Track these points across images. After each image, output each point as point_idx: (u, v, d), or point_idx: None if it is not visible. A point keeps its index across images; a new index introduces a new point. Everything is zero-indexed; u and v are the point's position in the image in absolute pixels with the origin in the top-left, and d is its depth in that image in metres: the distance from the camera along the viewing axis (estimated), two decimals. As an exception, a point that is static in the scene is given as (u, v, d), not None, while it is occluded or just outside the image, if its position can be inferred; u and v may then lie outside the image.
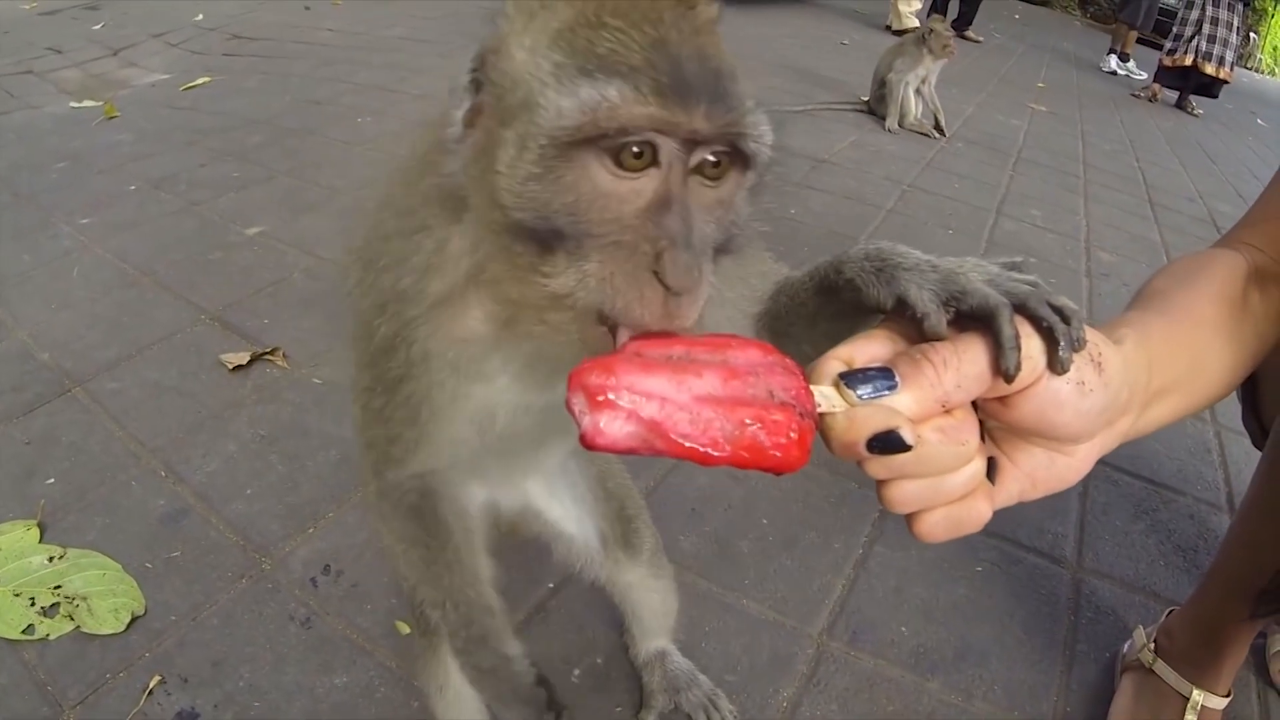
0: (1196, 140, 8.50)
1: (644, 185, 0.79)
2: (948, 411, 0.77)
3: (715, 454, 0.68)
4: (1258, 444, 1.59)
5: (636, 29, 0.78)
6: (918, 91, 6.24)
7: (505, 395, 1.05)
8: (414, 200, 0.97)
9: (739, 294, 1.06)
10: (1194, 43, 9.62)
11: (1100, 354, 0.81)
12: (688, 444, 0.68)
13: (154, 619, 1.83)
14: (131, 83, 6.34)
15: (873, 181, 4.98)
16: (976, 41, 11.36)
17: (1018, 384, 0.75)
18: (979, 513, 0.82)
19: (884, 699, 1.81)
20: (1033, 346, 0.76)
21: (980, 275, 0.81)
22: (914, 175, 5.22)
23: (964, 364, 0.75)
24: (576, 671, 1.80)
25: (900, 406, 0.74)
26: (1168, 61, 9.95)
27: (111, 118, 5.23)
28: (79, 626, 1.80)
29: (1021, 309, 0.77)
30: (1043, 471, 0.87)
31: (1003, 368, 0.74)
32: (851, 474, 2.41)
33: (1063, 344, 0.76)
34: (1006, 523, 2.34)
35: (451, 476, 1.19)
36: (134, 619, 1.82)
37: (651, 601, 1.62)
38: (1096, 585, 2.20)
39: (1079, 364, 0.77)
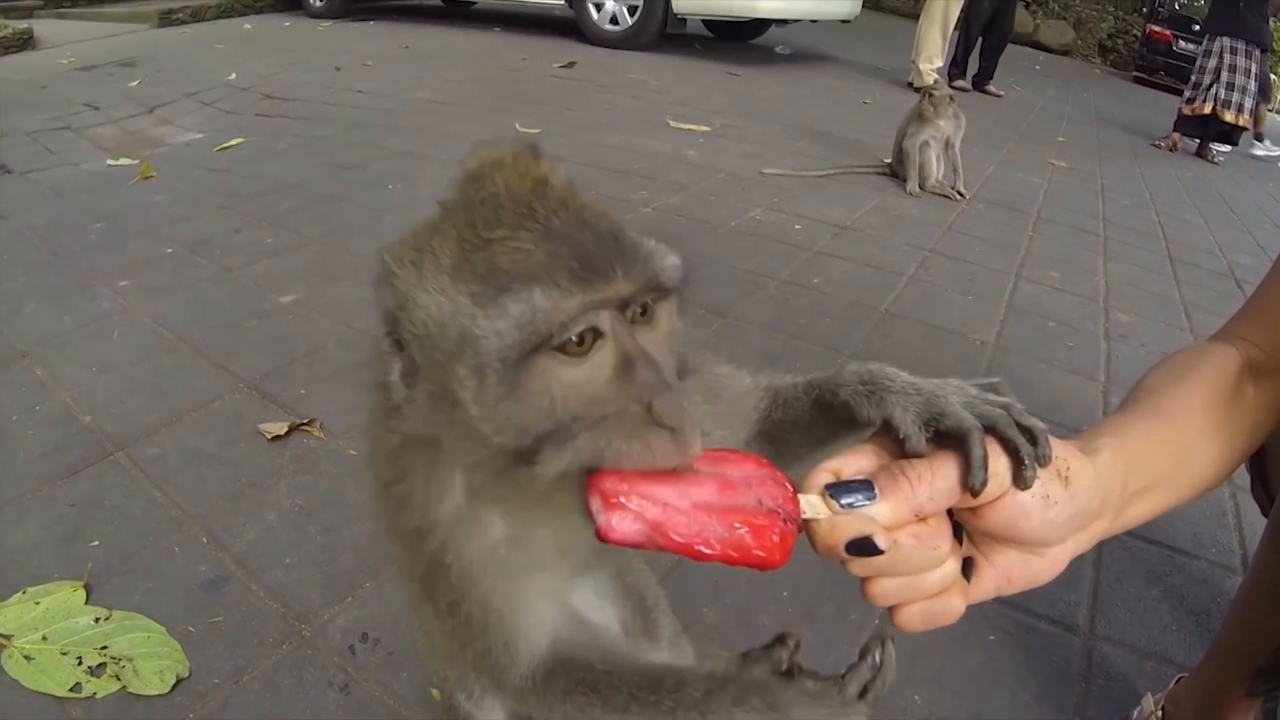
0: (1217, 190, 8.55)
1: (602, 358, 0.84)
2: (923, 520, 0.87)
3: (707, 551, 0.81)
4: (1266, 514, 1.65)
5: (520, 230, 0.83)
6: (939, 154, 6.24)
7: (555, 574, 1.09)
8: (391, 453, 1.02)
9: (715, 408, 1.13)
10: (1213, 90, 9.69)
11: (1069, 469, 0.90)
12: (683, 541, 0.81)
13: (198, 681, 1.89)
14: (166, 141, 6.50)
15: (894, 248, 5.02)
16: (998, 96, 11.44)
17: (984, 498, 0.85)
18: (953, 608, 0.92)
19: None
20: (1000, 465, 0.85)
21: (959, 398, 0.91)
22: (934, 240, 5.26)
23: (936, 479, 0.85)
24: None
25: (878, 515, 0.84)
26: (1187, 110, 10.01)
27: (148, 177, 5.37)
28: (125, 686, 1.86)
29: (992, 430, 0.87)
30: (1016, 570, 0.96)
31: (969, 484, 0.84)
32: None
33: (1026, 463, 0.85)
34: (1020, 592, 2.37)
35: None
36: (178, 681, 1.88)
37: None
38: (1109, 652, 2.22)
39: (1044, 480, 0.87)
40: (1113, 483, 0.99)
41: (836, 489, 0.86)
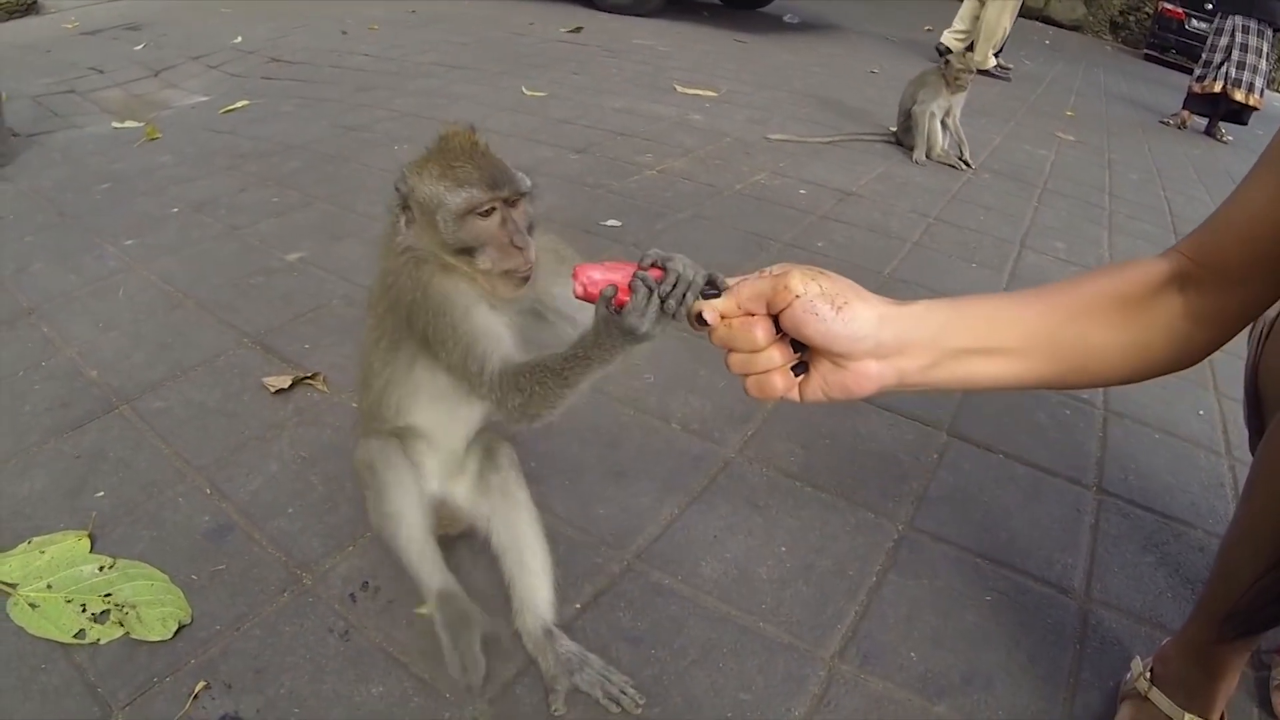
0: (1225, 168, 8.47)
1: (495, 219, 1.67)
2: (749, 314, 1.27)
3: (596, 291, 1.37)
4: (1254, 447, 1.68)
5: (467, 163, 1.67)
6: (944, 123, 6.24)
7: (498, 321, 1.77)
8: (398, 259, 1.77)
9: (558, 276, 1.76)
10: (1223, 69, 9.60)
11: (845, 302, 1.23)
12: (594, 291, 1.37)
13: (200, 628, 1.91)
14: (172, 104, 6.48)
15: (898, 214, 5.02)
16: (1007, 69, 11.35)
17: (769, 306, 1.26)
18: (774, 384, 1.29)
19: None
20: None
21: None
22: (940, 208, 5.25)
23: (744, 291, 1.28)
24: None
25: (717, 305, 1.29)
26: (1197, 88, 9.92)
27: (153, 139, 5.36)
28: (128, 633, 1.88)
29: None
30: (832, 377, 1.28)
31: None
32: (868, 504, 2.49)
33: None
34: (1017, 554, 2.39)
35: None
36: (181, 627, 1.90)
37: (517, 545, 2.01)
38: (1103, 615, 2.23)
39: (816, 299, 1.22)
40: (916, 329, 1.29)
41: (704, 292, 1.32)
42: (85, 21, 9.56)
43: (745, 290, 1.26)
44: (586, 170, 5.17)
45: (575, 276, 1.39)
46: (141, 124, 5.71)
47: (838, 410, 2.88)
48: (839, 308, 1.22)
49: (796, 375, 1.30)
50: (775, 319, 1.25)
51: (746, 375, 1.30)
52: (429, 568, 1.88)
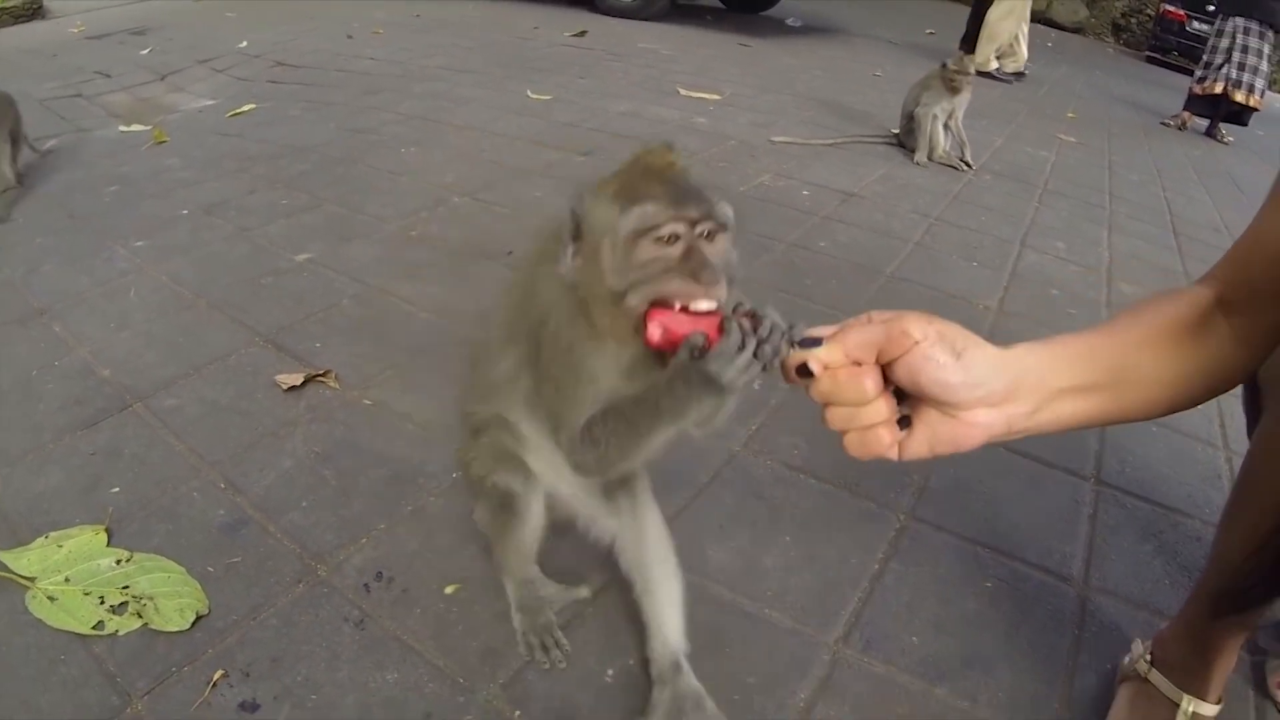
0: (1226, 169, 8.51)
1: (676, 248, 1.37)
2: (856, 364, 1.17)
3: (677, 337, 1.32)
4: (1251, 433, 1.73)
5: (651, 181, 1.40)
6: (946, 125, 6.29)
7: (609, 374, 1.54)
8: (552, 287, 1.55)
9: None
10: (1224, 70, 9.62)
11: (963, 347, 1.16)
12: (675, 338, 1.32)
13: (217, 619, 1.95)
14: (179, 108, 6.51)
15: (900, 215, 5.06)
16: (1020, 74, 11.43)
17: (881, 355, 1.17)
18: (881, 439, 1.20)
19: (894, 703, 1.91)
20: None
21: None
22: (941, 208, 5.30)
23: (852, 338, 1.17)
24: (610, 671, 1.91)
25: (820, 355, 1.18)
26: (1197, 89, 9.95)
27: (161, 143, 5.41)
28: (146, 624, 1.92)
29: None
30: (941, 429, 1.21)
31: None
32: (870, 495, 2.53)
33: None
34: (1016, 543, 2.43)
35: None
36: (198, 618, 1.94)
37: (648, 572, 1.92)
38: (1102, 602, 2.27)
39: (936, 346, 1.14)
40: (1025, 373, 1.24)
41: (802, 340, 1.21)
42: (91, 26, 9.63)
43: (853, 338, 1.17)
44: (593, 173, 5.07)
45: (649, 319, 1.33)
46: (148, 128, 5.75)
47: None
48: (959, 353, 1.15)
49: (901, 429, 1.22)
50: (883, 369, 1.19)
51: (847, 430, 1.21)
52: (521, 564, 1.96)
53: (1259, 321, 1.41)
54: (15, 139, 4.60)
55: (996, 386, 1.19)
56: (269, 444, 2.55)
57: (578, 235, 1.44)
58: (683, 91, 7.50)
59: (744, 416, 2.82)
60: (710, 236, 1.38)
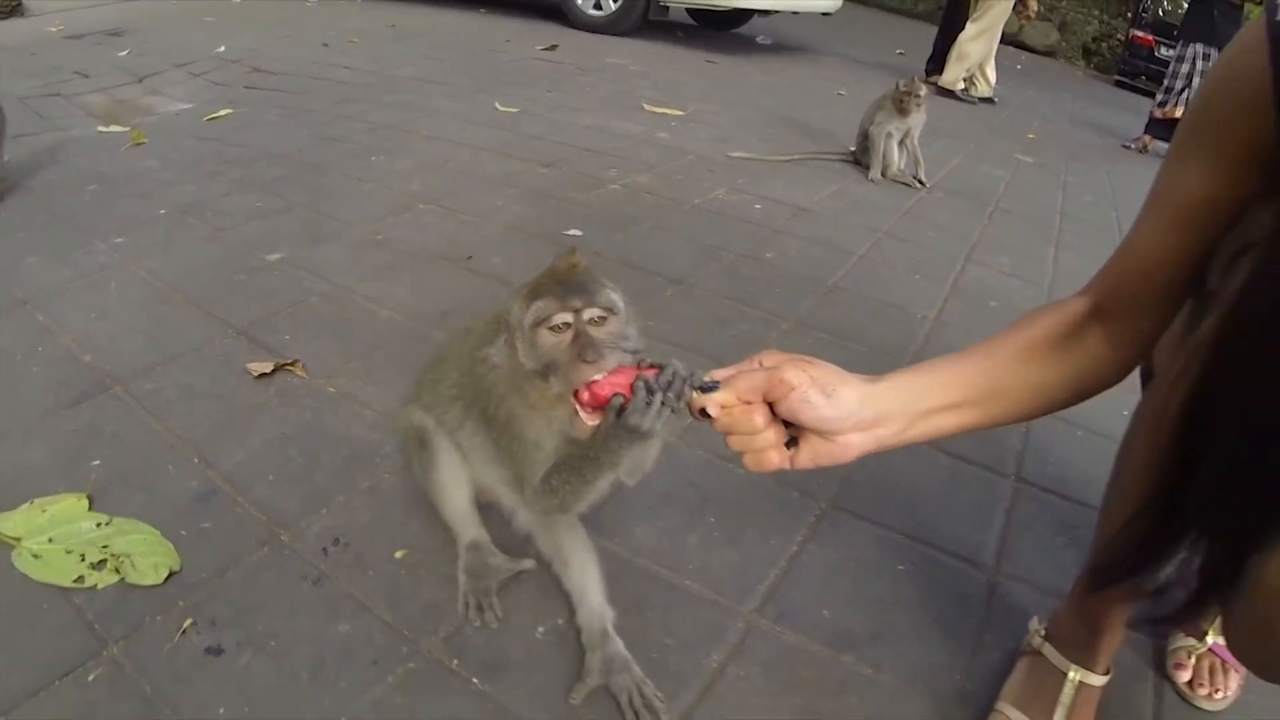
0: (1181, 192, 8.67)
1: (568, 335, 1.68)
2: (747, 403, 1.41)
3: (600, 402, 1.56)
4: None
5: (552, 282, 1.72)
6: (901, 143, 6.47)
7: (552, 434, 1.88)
8: (482, 364, 1.90)
9: None
10: (1184, 95, 9.87)
11: (834, 389, 1.40)
12: (599, 402, 1.56)
13: (188, 575, 2.14)
14: (156, 110, 6.65)
15: (849, 229, 5.23)
16: (985, 98, 11.62)
17: (765, 396, 1.41)
18: (770, 459, 1.45)
19: (801, 667, 2.08)
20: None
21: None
22: (890, 223, 5.46)
23: (741, 383, 1.42)
24: (540, 629, 2.11)
25: (718, 398, 1.42)
26: (1158, 113, 10.18)
27: (139, 144, 5.55)
28: (123, 579, 2.10)
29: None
30: (820, 448, 1.45)
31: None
32: (794, 485, 2.71)
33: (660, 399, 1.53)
34: (932, 532, 2.60)
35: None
36: (171, 574, 2.13)
37: (563, 545, 2.22)
38: (1011, 587, 2.42)
39: (810, 390, 1.38)
40: (891, 403, 1.47)
41: (702, 385, 1.44)
42: (70, 25, 9.66)
43: (743, 384, 1.40)
44: (554, 184, 5.40)
45: (577, 396, 1.59)
46: (127, 129, 5.89)
47: None
48: (829, 395, 1.38)
49: (789, 449, 1.46)
50: (770, 405, 1.41)
51: (745, 452, 1.45)
52: (465, 517, 2.24)
53: (1132, 327, 1.57)
54: None
55: (865, 416, 1.43)
56: (240, 425, 2.74)
57: (507, 329, 1.79)
58: (647, 107, 7.68)
59: (683, 417, 2.99)
60: (600, 321, 1.70)
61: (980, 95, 11.45)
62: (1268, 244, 1.26)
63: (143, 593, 2.09)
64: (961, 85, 11.35)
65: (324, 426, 2.76)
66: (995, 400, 1.57)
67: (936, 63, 12.15)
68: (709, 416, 1.43)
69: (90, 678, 1.86)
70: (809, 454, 1.45)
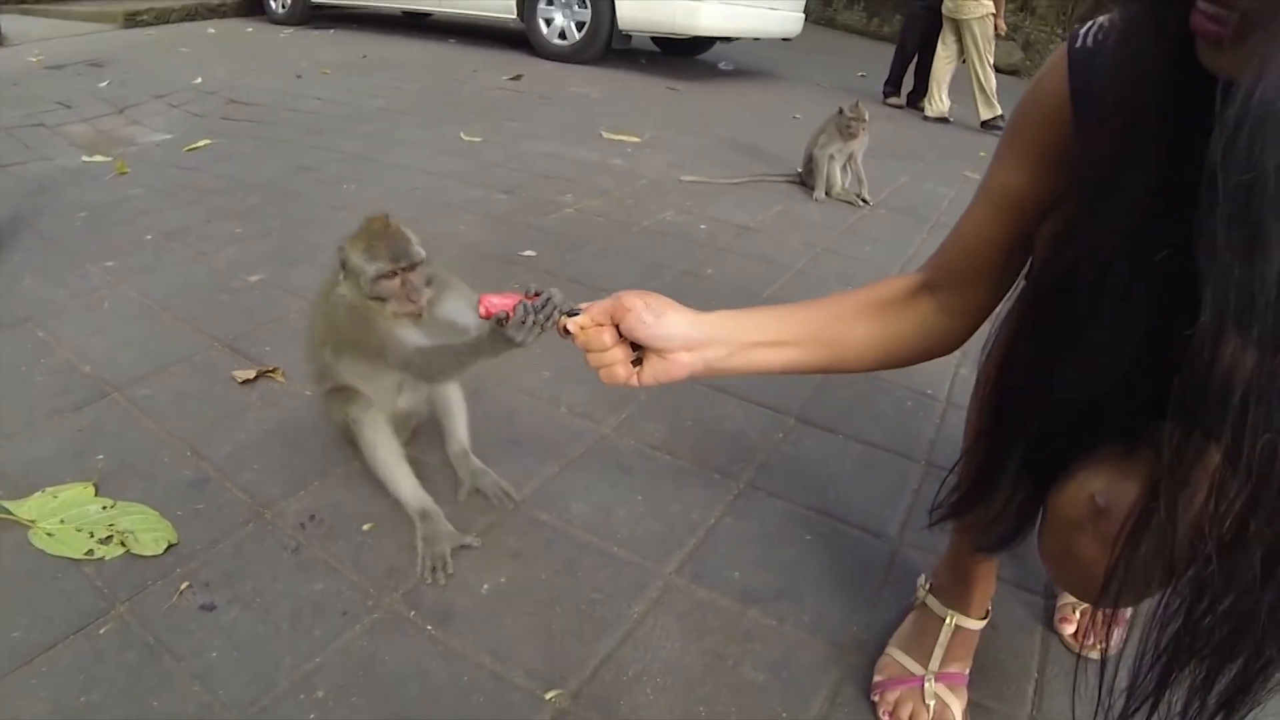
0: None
1: (397, 280, 2.32)
2: (599, 325, 1.69)
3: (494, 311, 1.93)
4: None
5: (379, 241, 2.33)
6: (844, 166, 6.66)
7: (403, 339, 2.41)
8: (328, 298, 2.52)
9: (451, 302, 2.50)
10: None
11: (662, 312, 1.66)
12: (492, 311, 1.93)
13: (184, 548, 2.45)
14: (137, 140, 6.94)
15: (789, 246, 5.47)
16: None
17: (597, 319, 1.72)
18: (618, 374, 1.71)
19: (712, 618, 2.34)
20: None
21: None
22: (830, 240, 5.68)
23: (594, 310, 1.70)
24: (485, 586, 2.43)
25: (578, 320, 1.70)
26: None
27: (123, 174, 5.85)
28: (128, 550, 2.40)
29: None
30: (659, 366, 1.71)
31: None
32: (716, 468, 3.00)
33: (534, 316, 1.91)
34: (841, 508, 2.82)
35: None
36: (170, 546, 2.44)
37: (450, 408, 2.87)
38: (912, 554, 2.61)
39: (643, 311, 1.64)
40: (715, 330, 1.72)
41: (569, 311, 1.75)
42: (49, 56, 9.86)
43: (596, 308, 1.67)
44: (512, 209, 5.68)
45: (480, 302, 1.90)
46: (110, 159, 6.17)
47: (701, 399, 3.40)
48: (658, 316, 1.63)
49: (635, 367, 1.71)
50: (618, 328, 1.67)
51: (599, 368, 1.70)
52: (411, 493, 2.58)
53: (961, 298, 1.77)
54: None
55: (693, 337, 1.68)
56: (227, 423, 3.06)
57: (346, 271, 2.38)
58: (605, 134, 7.88)
59: (615, 405, 3.30)
60: (412, 268, 2.31)
61: (935, 115, 11.61)
62: (1055, 236, 1.55)
63: (144, 562, 2.40)
64: (948, 107, 11.54)
65: (301, 423, 3.08)
66: (821, 345, 1.79)
67: (894, 85, 12.45)
68: (570, 334, 1.71)
69: (101, 631, 2.18)
70: (650, 371, 1.70)
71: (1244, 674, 1.27)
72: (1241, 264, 1.04)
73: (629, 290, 1.70)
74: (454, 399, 2.83)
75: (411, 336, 2.38)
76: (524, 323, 1.88)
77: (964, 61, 11.39)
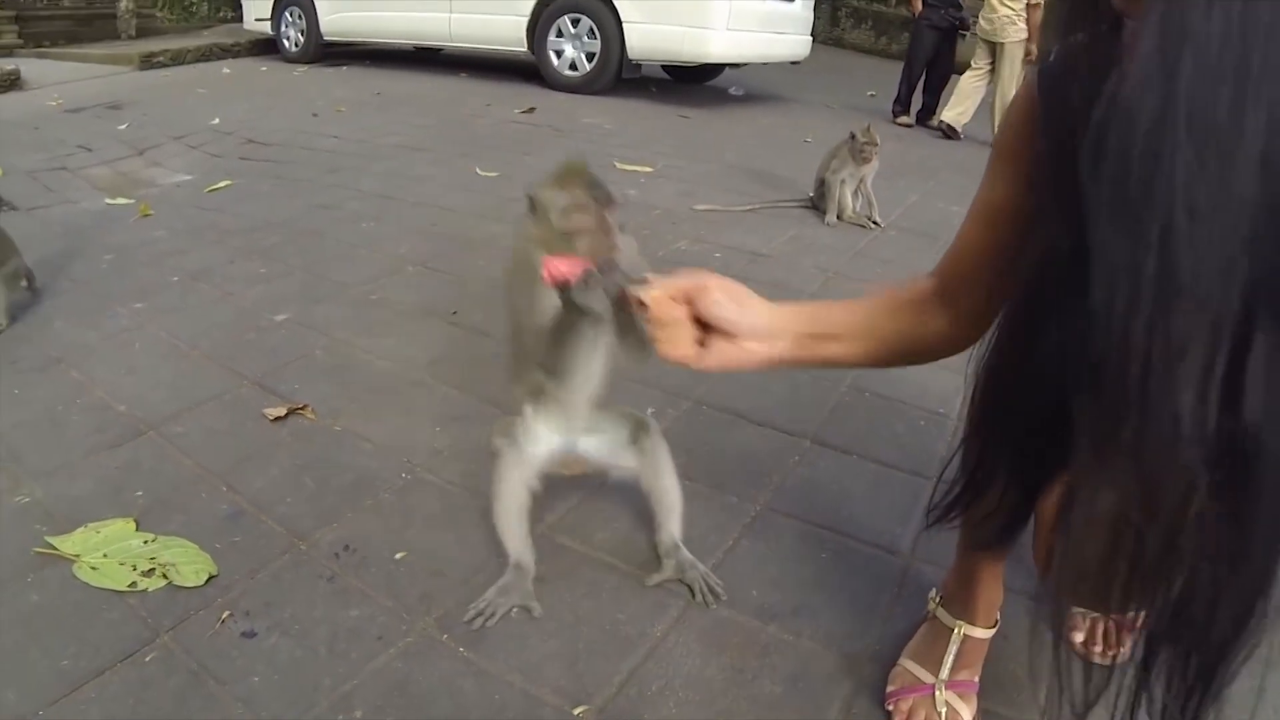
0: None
1: (590, 214, 2.05)
2: (673, 299, 1.65)
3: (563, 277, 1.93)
4: None
5: (574, 175, 2.11)
6: (855, 191, 6.66)
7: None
8: (526, 240, 2.25)
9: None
10: None
11: (742, 299, 1.68)
12: (561, 277, 1.92)
13: (224, 578, 2.54)
14: (158, 182, 7.07)
15: (802, 270, 5.51)
16: (940, 129, 11.85)
17: (675, 294, 1.68)
18: (682, 343, 1.68)
19: (731, 635, 2.40)
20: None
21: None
22: (842, 263, 5.70)
23: (669, 285, 1.67)
24: (514, 610, 2.51)
25: (652, 292, 1.66)
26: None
27: (146, 215, 6.00)
28: (170, 582, 2.49)
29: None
30: (728, 350, 1.69)
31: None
32: (734, 491, 3.06)
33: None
34: (854, 526, 2.86)
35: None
36: (210, 578, 2.53)
37: (662, 491, 2.68)
38: (924, 569, 2.62)
39: (722, 294, 1.66)
40: (788, 322, 1.75)
41: (640, 280, 1.71)
42: (68, 99, 10.00)
43: (671, 283, 1.65)
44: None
45: (545, 267, 1.91)
46: (133, 201, 6.30)
47: (718, 425, 3.47)
48: (739, 303, 1.65)
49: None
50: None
51: (661, 341, 1.67)
52: (518, 542, 2.53)
53: (964, 305, 1.81)
54: (14, 276, 4.28)
55: (767, 326, 1.69)
56: (260, 459, 3.15)
57: (534, 208, 2.14)
58: (618, 165, 7.85)
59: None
60: (609, 204, 2.09)
61: (949, 120, 11.65)
62: (1039, 259, 1.62)
63: (186, 593, 2.50)
64: (965, 120, 11.59)
65: (331, 458, 3.17)
66: (868, 339, 1.82)
67: (904, 104, 12.55)
68: (644, 305, 1.67)
69: (147, 659, 2.27)
70: (716, 354, 1.68)
71: (1217, 648, 1.36)
72: (1124, 247, 1.14)
73: (708, 273, 1.71)
74: (670, 489, 2.64)
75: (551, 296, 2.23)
76: (586, 287, 1.91)
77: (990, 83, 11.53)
